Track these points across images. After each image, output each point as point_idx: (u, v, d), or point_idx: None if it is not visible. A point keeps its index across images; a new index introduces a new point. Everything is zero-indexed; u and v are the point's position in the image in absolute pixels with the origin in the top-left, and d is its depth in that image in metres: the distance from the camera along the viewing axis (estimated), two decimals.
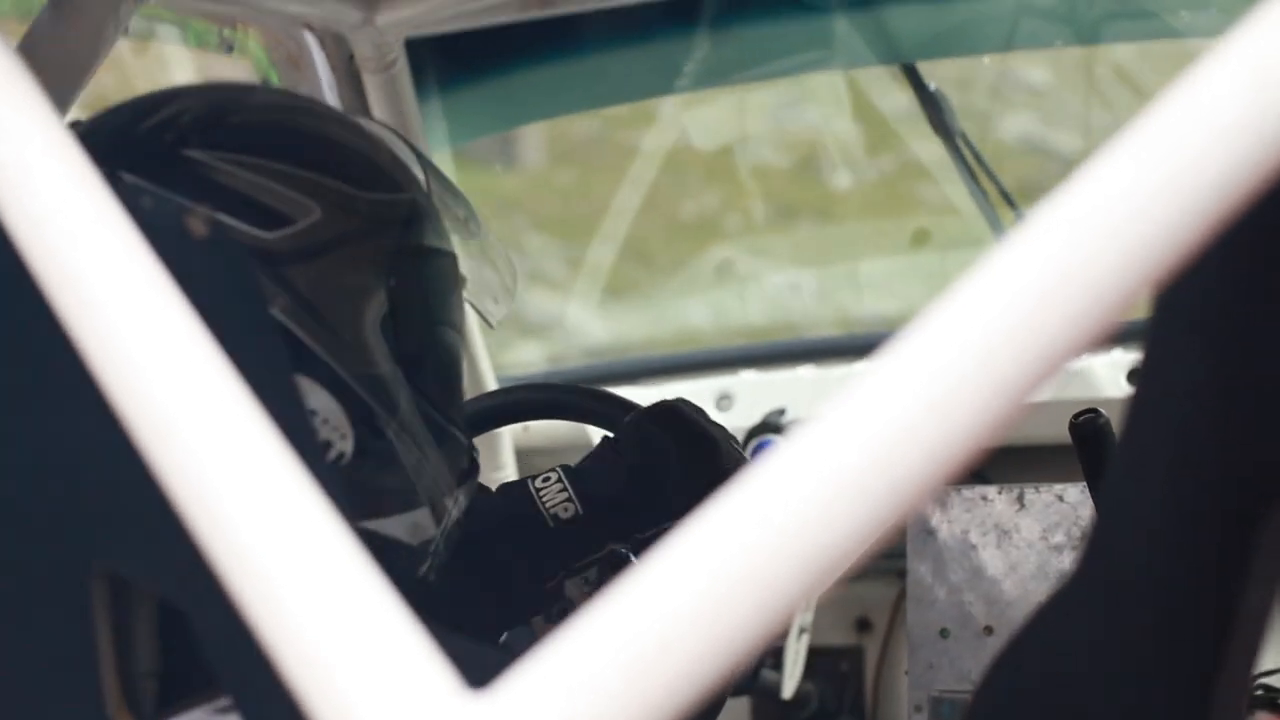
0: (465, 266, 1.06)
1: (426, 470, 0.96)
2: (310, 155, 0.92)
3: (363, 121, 1.00)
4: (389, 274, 0.94)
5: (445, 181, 1.06)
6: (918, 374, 0.44)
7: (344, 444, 0.90)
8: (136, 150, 0.87)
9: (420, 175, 1.00)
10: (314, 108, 0.99)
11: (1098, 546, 0.62)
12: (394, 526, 0.95)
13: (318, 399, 0.88)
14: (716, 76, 2.16)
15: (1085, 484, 1.32)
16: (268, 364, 0.72)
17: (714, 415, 2.34)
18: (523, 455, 2.44)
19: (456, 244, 1.04)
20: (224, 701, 0.74)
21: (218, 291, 0.61)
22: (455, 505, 1.01)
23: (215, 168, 0.87)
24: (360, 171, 0.94)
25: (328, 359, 0.89)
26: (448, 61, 2.03)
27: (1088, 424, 1.28)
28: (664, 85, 2.17)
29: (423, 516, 0.97)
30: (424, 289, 0.98)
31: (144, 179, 0.85)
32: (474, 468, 1.06)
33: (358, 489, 0.91)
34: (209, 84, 0.96)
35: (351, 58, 1.90)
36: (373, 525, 0.94)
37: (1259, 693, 1.27)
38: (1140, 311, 0.49)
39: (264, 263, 0.86)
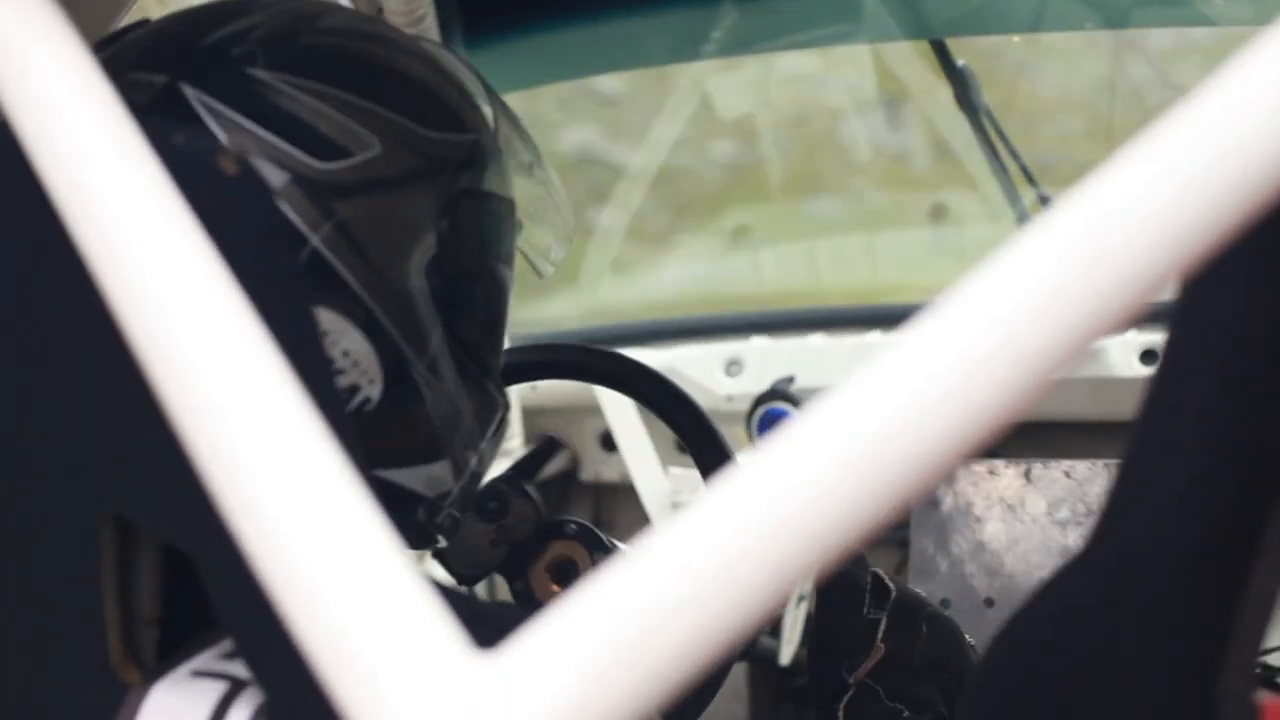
0: (523, 212, 1.02)
1: (454, 422, 0.94)
2: (377, 86, 0.88)
3: (437, 53, 0.96)
4: (442, 216, 0.90)
5: (515, 121, 1.02)
6: (942, 350, 0.45)
7: (371, 389, 0.87)
8: (200, 62, 0.84)
9: (489, 113, 0.97)
10: (389, 35, 0.93)
11: (1110, 522, 0.62)
12: (412, 478, 0.92)
13: (351, 340, 0.85)
14: (742, 44, 2.15)
15: (1092, 461, 1.33)
16: (290, 310, 0.71)
17: (723, 380, 2.37)
18: (530, 415, 2.44)
19: (517, 188, 1.00)
20: (228, 646, 0.74)
21: (244, 234, 0.60)
22: (478, 460, 0.98)
23: (278, 89, 0.84)
24: (426, 108, 0.90)
25: (366, 299, 0.86)
26: (475, 19, 2.01)
27: None
28: (690, 51, 2.16)
29: (443, 469, 0.94)
30: (477, 234, 0.94)
31: (205, 93, 0.83)
32: (504, 423, 1.02)
33: (380, 436, 0.89)
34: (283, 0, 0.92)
35: (380, 11, 1.89)
36: (390, 475, 0.91)
37: (1257, 671, 1.28)
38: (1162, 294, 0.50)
39: (313, 193, 0.84)
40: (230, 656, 0.74)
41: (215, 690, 0.72)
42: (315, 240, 0.84)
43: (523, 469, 1.44)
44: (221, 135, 0.82)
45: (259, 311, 0.53)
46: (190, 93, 0.83)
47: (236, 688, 0.72)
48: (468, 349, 0.94)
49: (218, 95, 0.83)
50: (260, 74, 0.84)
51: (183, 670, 0.73)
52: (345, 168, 0.85)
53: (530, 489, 1.41)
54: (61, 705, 0.75)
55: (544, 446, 1.46)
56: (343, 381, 0.85)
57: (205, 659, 0.74)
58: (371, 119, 0.87)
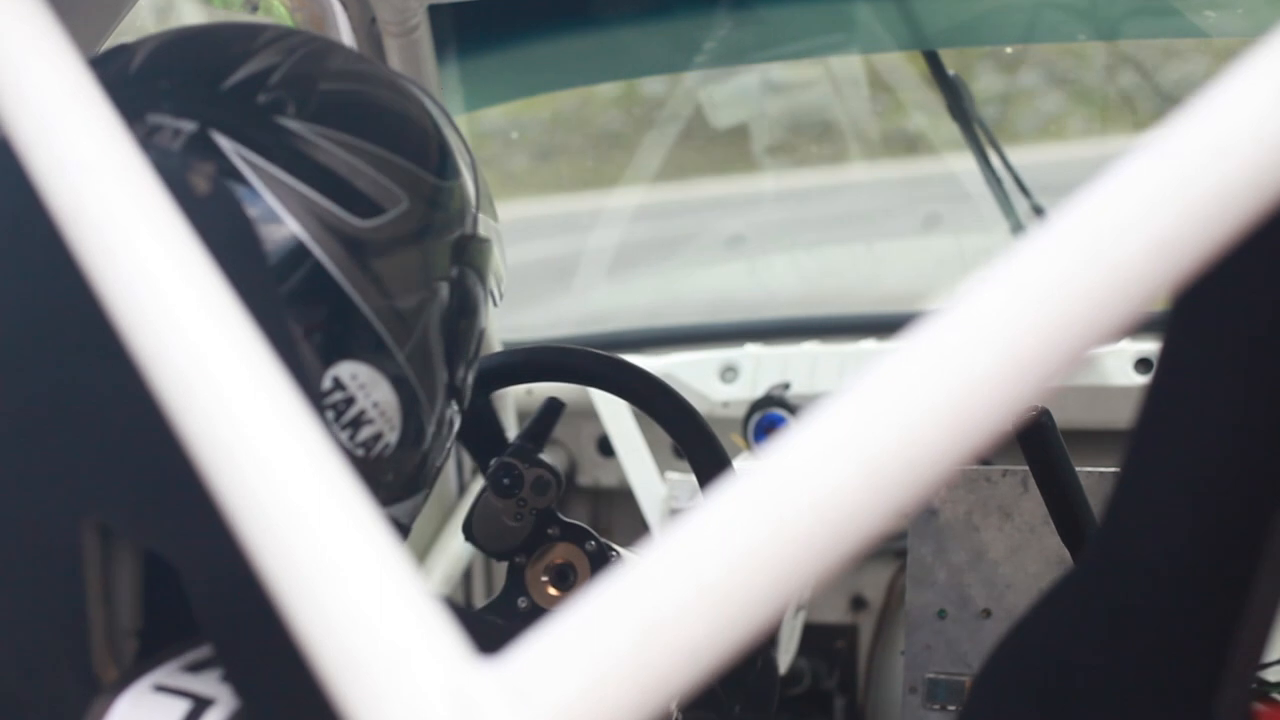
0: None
1: (438, 457, 0.95)
2: (397, 137, 0.87)
3: (417, 89, 0.95)
4: (452, 265, 0.91)
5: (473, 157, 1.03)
6: (938, 357, 0.45)
7: (391, 435, 0.87)
8: (228, 110, 0.82)
9: (468, 155, 0.97)
10: (388, 76, 0.93)
11: (1107, 533, 0.62)
12: (402, 511, 0.94)
13: (381, 392, 0.85)
14: (736, 55, 2.16)
15: (1089, 470, 1.33)
16: (269, 326, 0.71)
17: (718, 387, 2.37)
18: (525, 418, 2.44)
19: (482, 224, 1.00)
20: (194, 657, 0.75)
21: (216, 250, 0.60)
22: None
23: (312, 143, 0.83)
24: (433, 155, 0.90)
25: (397, 353, 0.86)
26: (468, 28, 2.02)
27: (1031, 420, 1.29)
28: (682, 61, 2.17)
29: (421, 499, 0.96)
30: (479, 280, 0.95)
31: (240, 144, 0.81)
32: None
33: (385, 476, 0.89)
34: (273, 30, 0.90)
35: (374, 20, 1.90)
36: (391, 511, 0.92)
37: (1254, 685, 1.28)
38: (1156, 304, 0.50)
39: (352, 251, 0.83)
40: (193, 669, 0.74)
41: (179, 708, 0.72)
42: (356, 298, 0.83)
43: (530, 435, 1.45)
44: (265, 191, 0.80)
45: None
46: (225, 143, 0.81)
47: (200, 706, 0.71)
48: (458, 389, 0.95)
49: (253, 147, 0.81)
50: (292, 124, 0.83)
51: (144, 684, 0.73)
52: (381, 224, 0.85)
53: (542, 456, 1.42)
54: (35, 712, 0.75)
55: (547, 409, 1.46)
56: (368, 431, 0.85)
57: (167, 672, 0.74)
58: (397, 172, 0.86)
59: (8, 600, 0.76)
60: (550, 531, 1.40)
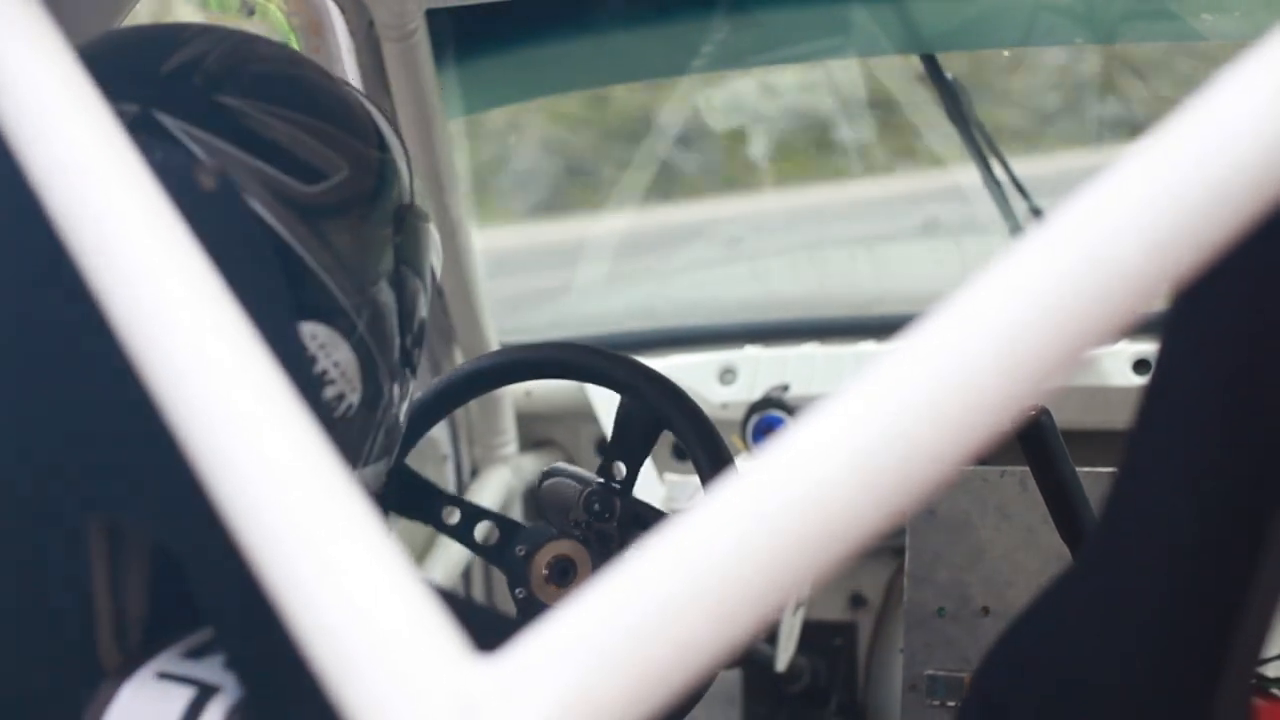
0: None
1: (397, 421, 0.99)
2: (330, 111, 0.91)
3: (342, 79, 1.00)
4: (396, 231, 0.95)
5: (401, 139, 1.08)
6: (936, 359, 0.45)
7: (353, 396, 0.91)
8: (168, 91, 0.85)
9: (397, 136, 1.01)
10: (313, 63, 0.97)
11: (1106, 531, 0.63)
12: (368, 476, 0.97)
13: (340, 352, 0.89)
14: (733, 59, 2.16)
15: (1087, 470, 1.33)
16: (272, 319, 0.72)
17: (717, 389, 2.37)
18: (524, 421, 2.44)
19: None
20: (195, 641, 0.75)
21: (222, 246, 0.61)
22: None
23: (253, 116, 0.86)
24: (365, 128, 0.94)
25: (352, 313, 0.89)
26: (466, 32, 2.02)
27: (1030, 420, 1.29)
28: (681, 65, 2.17)
29: (384, 465, 0.99)
30: (418, 245, 0.99)
31: (184, 121, 0.83)
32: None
33: (351, 439, 0.93)
34: (197, 25, 0.93)
35: (371, 25, 1.89)
36: (365, 474, 0.96)
37: (1254, 681, 1.28)
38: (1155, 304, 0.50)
39: (303, 216, 0.86)
40: (193, 655, 0.75)
41: (184, 695, 0.72)
42: (310, 261, 0.86)
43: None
44: (208, 161, 0.83)
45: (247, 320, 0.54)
46: (169, 121, 0.83)
47: (205, 693, 0.72)
48: (408, 354, 0.99)
49: (196, 123, 0.84)
50: (230, 101, 0.86)
51: (147, 672, 0.74)
52: (325, 189, 0.88)
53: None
54: (42, 701, 0.76)
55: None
56: (331, 391, 0.89)
57: (169, 659, 0.75)
58: (334, 142, 0.90)
59: (12, 589, 0.77)
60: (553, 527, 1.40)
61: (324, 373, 0.88)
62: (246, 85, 0.87)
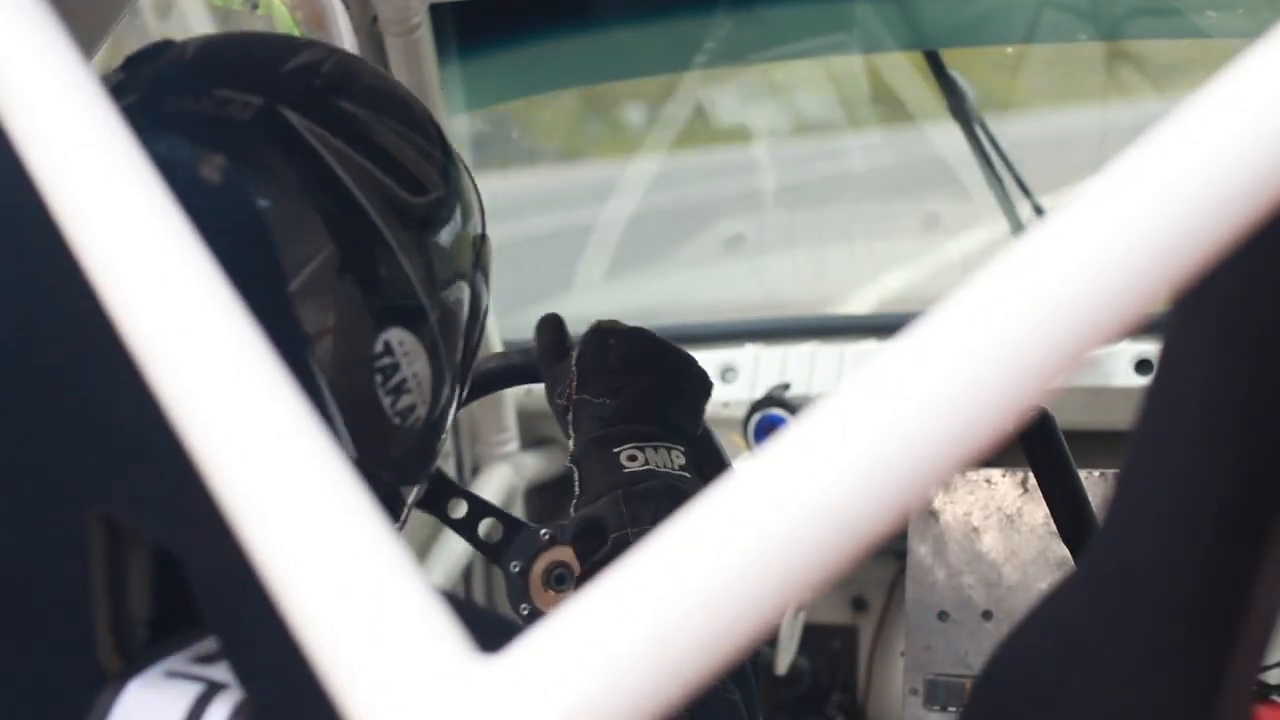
0: None
1: (442, 441, 0.99)
2: (430, 132, 0.94)
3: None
4: (473, 257, 0.97)
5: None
6: (938, 359, 0.44)
7: (422, 409, 0.92)
8: (289, 89, 0.87)
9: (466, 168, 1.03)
10: (403, 86, 1.01)
11: (1108, 536, 0.62)
12: (412, 493, 0.98)
13: (420, 364, 0.90)
14: (736, 55, 2.16)
15: (1089, 471, 1.33)
16: (275, 317, 0.72)
17: (718, 387, 2.36)
18: (525, 418, 2.44)
19: None
20: (202, 649, 0.75)
21: (228, 240, 0.61)
22: None
23: (368, 124, 0.88)
24: (455, 156, 0.97)
25: (434, 326, 0.91)
26: (469, 27, 2.02)
27: (1032, 421, 1.29)
28: (683, 61, 2.17)
29: (425, 483, 1.01)
30: (487, 270, 1.01)
31: (307, 119, 0.86)
32: None
33: (414, 452, 0.94)
34: (304, 38, 0.97)
35: (375, 19, 1.89)
36: (404, 491, 0.96)
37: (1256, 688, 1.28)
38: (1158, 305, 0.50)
39: (406, 224, 0.88)
40: (205, 660, 0.75)
41: (191, 690, 0.72)
42: (409, 268, 0.89)
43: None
44: (332, 162, 0.85)
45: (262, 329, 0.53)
46: (294, 118, 0.85)
47: (213, 689, 0.72)
48: (462, 374, 1.00)
49: (318, 122, 0.86)
50: (349, 106, 0.88)
51: (157, 670, 0.74)
52: (427, 203, 0.91)
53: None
54: (42, 701, 0.75)
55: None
56: (406, 400, 0.90)
57: (178, 660, 0.75)
58: (433, 160, 0.93)
59: (10, 589, 0.76)
60: (543, 535, 1.39)
61: (403, 381, 0.89)
62: (361, 95, 0.90)
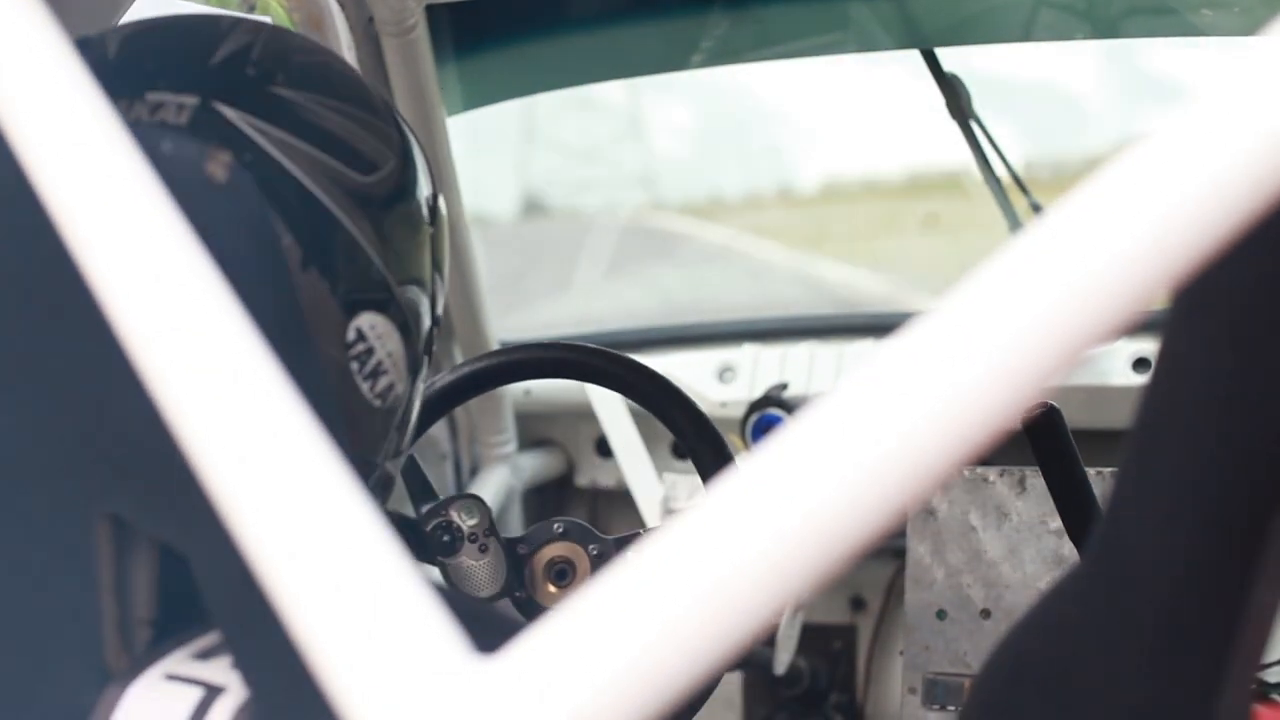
0: None
1: (416, 411, 0.99)
2: (370, 102, 0.92)
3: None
4: (430, 221, 0.96)
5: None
6: (936, 357, 0.44)
7: (400, 386, 0.92)
8: (222, 83, 0.85)
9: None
10: (333, 50, 1.00)
11: (1107, 534, 0.62)
12: (395, 468, 0.98)
13: (393, 342, 0.90)
14: (732, 54, 2.15)
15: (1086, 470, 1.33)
16: (280, 312, 0.72)
17: (716, 387, 2.37)
18: (523, 419, 2.44)
19: None
20: (204, 643, 0.75)
21: (235, 238, 0.60)
22: None
23: (307, 108, 0.86)
24: (394, 118, 0.95)
25: (401, 302, 0.90)
26: (466, 28, 2.02)
27: (1039, 416, 1.29)
28: (679, 61, 2.16)
29: (405, 455, 1.00)
30: (445, 234, 1.00)
31: (245, 113, 0.83)
32: None
33: (396, 428, 0.93)
34: (227, 15, 0.93)
35: (371, 20, 1.89)
36: (390, 466, 0.96)
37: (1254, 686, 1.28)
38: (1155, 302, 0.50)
39: (362, 206, 0.87)
40: (203, 656, 0.75)
41: (191, 696, 0.72)
42: (371, 252, 0.87)
43: (415, 494, 1.44)
44: (278, 154, 0.83)
45: (251, 314, 0.53)
46: (231, 114, 0.83)
47: (212, 694, 0.72)
48: (430, 342, 0.99)
49: (257, 114, 0.84)
50: (285, 91, 0.86)
51: (155, 672, 0.74)
52: (379, 180, 0.89)
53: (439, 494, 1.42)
54: (46, 702, 0.75)
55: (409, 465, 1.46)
56: (384, 382, 0.90)
57: (177, 660, 0.74)
58: (379, 132, 0.91)
59: (17, 589, 0.76)
60: (556, 528, 1.40)
61: (379, 364, 0.89)
62: (295, 76, 0.87)
